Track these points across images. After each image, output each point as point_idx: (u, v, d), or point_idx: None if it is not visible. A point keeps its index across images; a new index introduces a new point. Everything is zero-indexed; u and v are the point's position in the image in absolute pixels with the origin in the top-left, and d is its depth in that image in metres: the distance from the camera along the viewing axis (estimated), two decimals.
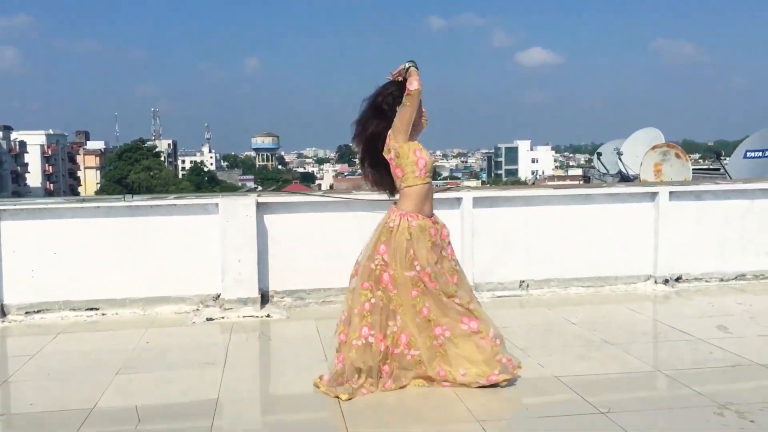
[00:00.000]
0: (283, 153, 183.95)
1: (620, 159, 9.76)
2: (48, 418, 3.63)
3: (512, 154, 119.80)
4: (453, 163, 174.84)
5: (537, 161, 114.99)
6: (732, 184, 6.88)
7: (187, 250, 5.88)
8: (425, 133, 4.06)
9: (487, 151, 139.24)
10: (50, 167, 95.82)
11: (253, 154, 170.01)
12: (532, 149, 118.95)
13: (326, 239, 6.10)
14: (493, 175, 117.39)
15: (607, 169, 10.42)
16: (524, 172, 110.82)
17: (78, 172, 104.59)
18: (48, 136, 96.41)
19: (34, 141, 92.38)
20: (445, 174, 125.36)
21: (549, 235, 6.39)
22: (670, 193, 6.46)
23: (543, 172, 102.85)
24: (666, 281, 6.45)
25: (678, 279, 6.53)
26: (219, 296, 5.82)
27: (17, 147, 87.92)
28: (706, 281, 6.57)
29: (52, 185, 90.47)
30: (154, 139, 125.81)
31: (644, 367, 4.24)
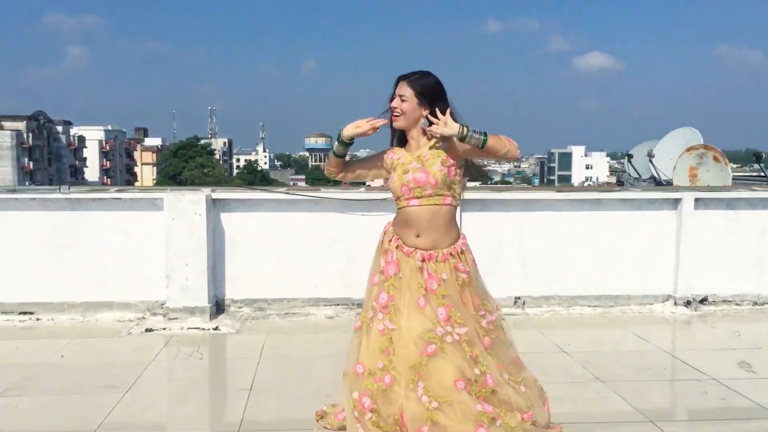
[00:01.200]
0: None
1: (651, 162, 8.74)
2: None
3: (566, 160, 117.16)
4: (506, 167, 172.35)
5: (591, 167, 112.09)
6: None
7: (133, 251, 5.24)
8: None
9: (540, 156, 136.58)
10: (108, 162, 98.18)
11: (306, 154, 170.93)
12: (586, 155, 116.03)
13: (292, 242, 5.38)
14: (546, 180, 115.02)
15: (638, 173, 9.39)
16: (577, 178, 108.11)
17: (135, 167, 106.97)
18: (107, 131, 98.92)
19: (93, 136, 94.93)
20: (497, 179, 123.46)
21: (550, 246, 5.53)
22: (696, 199, 5.52)
23: (597, 179, 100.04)
24: (688, 303, 5.51)
25: (703, 301, 5.59)
26: (165, 304, 5.16)
27: (76, 142, 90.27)
28: (737, 304, 5.61)
29: (109, 180, 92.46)
30: (210, 137, 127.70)
31: (633, 414, 3.38)
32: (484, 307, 2.91)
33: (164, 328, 4.95)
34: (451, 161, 2.86)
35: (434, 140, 2.89)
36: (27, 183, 72.00)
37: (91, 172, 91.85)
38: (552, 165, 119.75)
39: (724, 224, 5.60)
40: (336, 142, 2.95)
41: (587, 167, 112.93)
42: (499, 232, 5.43)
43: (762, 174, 8.76)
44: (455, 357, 2.74)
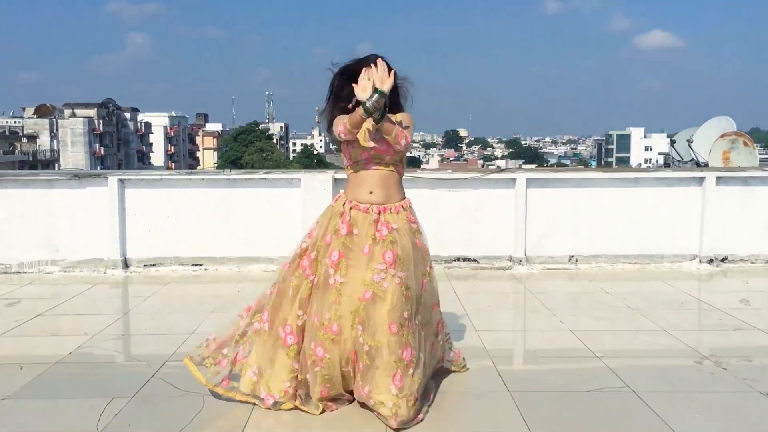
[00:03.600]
0: None
1: (690, 147, 10.02)
2: (157, 338, 4.69)
3: (624, 141, 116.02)
4: (562, 150, 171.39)
5: (651, 149, 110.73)
6: None
7: (274, 218, 6.88)
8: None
9: (598, 138, 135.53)
10: (172, 147, 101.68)
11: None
12: (645, 136, 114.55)
13: None
14: (603, 162, 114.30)
15: (681, 157, 10.67)
16: (636, 159, 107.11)
17: (197, 152, 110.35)
18: (171, 117, 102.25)
19: (158, 122, 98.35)
20: (553, 161, 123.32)
21: (598, 215, 6.95)
22: (717, 178, 6.86)
23: (657, 161, 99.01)
24: (710, 261, 6.88)
25: (724, 259, 6.93)
26: None
27: (143, 128, 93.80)
28: (752, 262, 6.94)
29: (173, 165, 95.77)
30: (268, 122, 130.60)
31: (651, 326, 4.83)
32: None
33: None
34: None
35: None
36: (98, 167, 75.54)
37: (157, 157, 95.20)
38: (610, 147, 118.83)
39: (741, 197, 6.93)
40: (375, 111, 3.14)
41: (646, 149, 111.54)
42: (557, 205, 6.88)
43: None
44: (391, 300, 3.19)
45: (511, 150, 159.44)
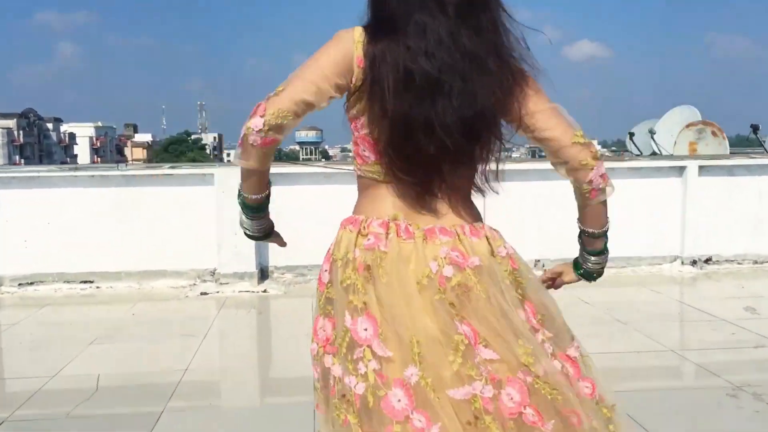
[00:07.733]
0: (326, 147, 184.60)
1: (653, 139, 9.24)
2: (7, 384, 3.44)
3: None
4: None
5: None
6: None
7: (184, 223, 5.66)
8: None
9: (532, 146, 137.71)
10: (99, 159, 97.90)
11: (297, 147, 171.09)
12: None
13: (331, 213, 5.79)
14: None
15: (640, 151, 9.89)
16: None
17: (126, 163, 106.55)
18: (97, 128, 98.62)
19: (83, 133, 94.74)
20: (492, 166, 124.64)
21: (564, 213, 5.98)
22: (700, 167, 6.00)
23: None
24: (694, 262, 6.00)
25: (708, 260, 6.07)
26: (216, 270, 5.60)
27: (67, 138, 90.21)
28: (739, 263, 6.10)
29: None
30: (201, 132, 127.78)
31: (654, 345, 3.86)
32: None
33: (217, 292, 5.40)
34: None
35: None
36: None
37: None
38: (543, 155, 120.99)
39: (726, 189, 6.08)
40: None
41: None
42: (520, 200, 5.87)
43: (761, 143, 9.31)
44: None
45: None
